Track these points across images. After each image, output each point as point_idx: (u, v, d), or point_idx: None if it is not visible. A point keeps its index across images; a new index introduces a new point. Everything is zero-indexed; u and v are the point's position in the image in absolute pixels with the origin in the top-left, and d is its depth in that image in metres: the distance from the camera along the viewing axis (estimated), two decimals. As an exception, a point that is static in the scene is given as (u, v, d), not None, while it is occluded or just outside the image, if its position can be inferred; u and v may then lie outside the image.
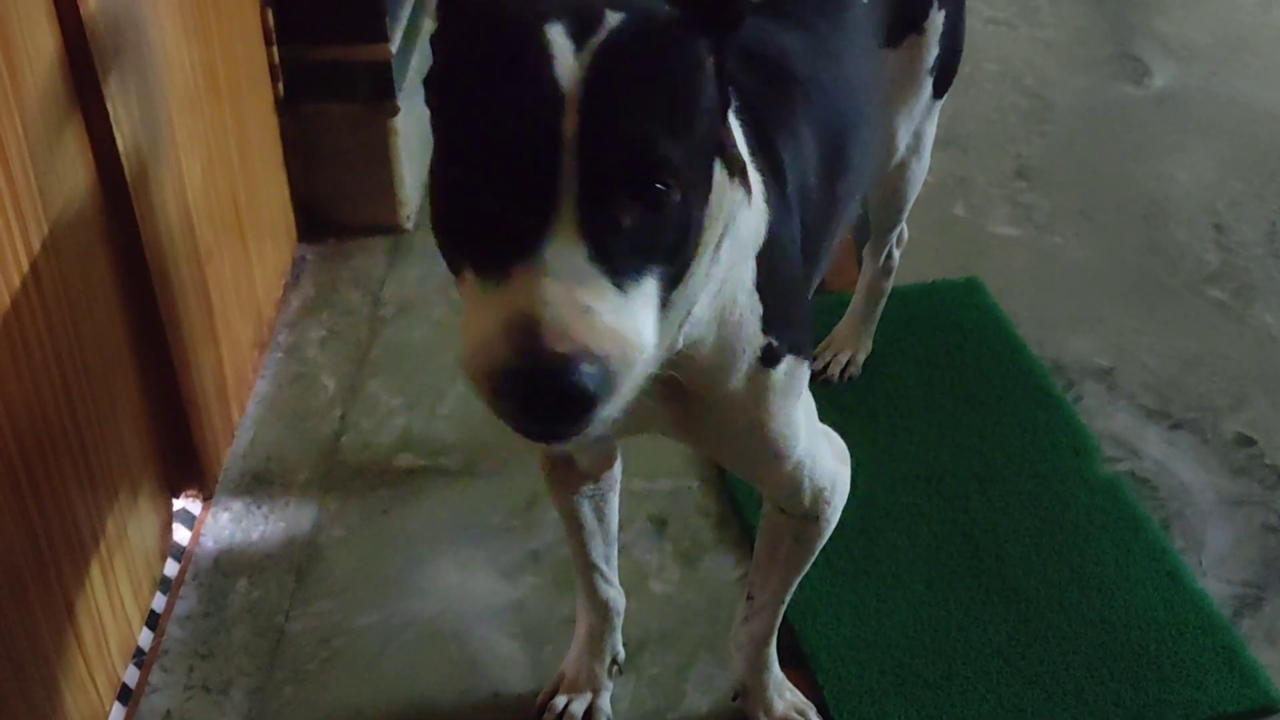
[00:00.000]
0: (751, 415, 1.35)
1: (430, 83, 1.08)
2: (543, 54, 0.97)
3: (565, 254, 0.95)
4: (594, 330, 0.93)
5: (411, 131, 2.61)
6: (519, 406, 0.93)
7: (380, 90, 2.48)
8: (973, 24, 2.92)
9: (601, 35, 0.99)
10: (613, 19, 1.01)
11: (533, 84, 0.97)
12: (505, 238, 0.96)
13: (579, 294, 0.94)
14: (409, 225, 2.64)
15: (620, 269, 0.97)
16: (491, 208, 0.97)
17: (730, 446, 1.44)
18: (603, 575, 1.75)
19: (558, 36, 0.98)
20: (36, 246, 1.54)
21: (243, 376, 2.26)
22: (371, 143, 2.53)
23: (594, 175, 0.96)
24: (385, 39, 2.44)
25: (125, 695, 1.82)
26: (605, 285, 0.96)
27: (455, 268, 1.02)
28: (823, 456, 1.48)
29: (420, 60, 2.65)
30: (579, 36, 0.98)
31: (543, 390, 0.92)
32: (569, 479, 1.65)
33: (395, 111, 2.51)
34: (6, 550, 1.50)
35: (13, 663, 1.51)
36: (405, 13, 2.57)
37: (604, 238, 0.96)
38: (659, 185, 0.99)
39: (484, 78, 0.99)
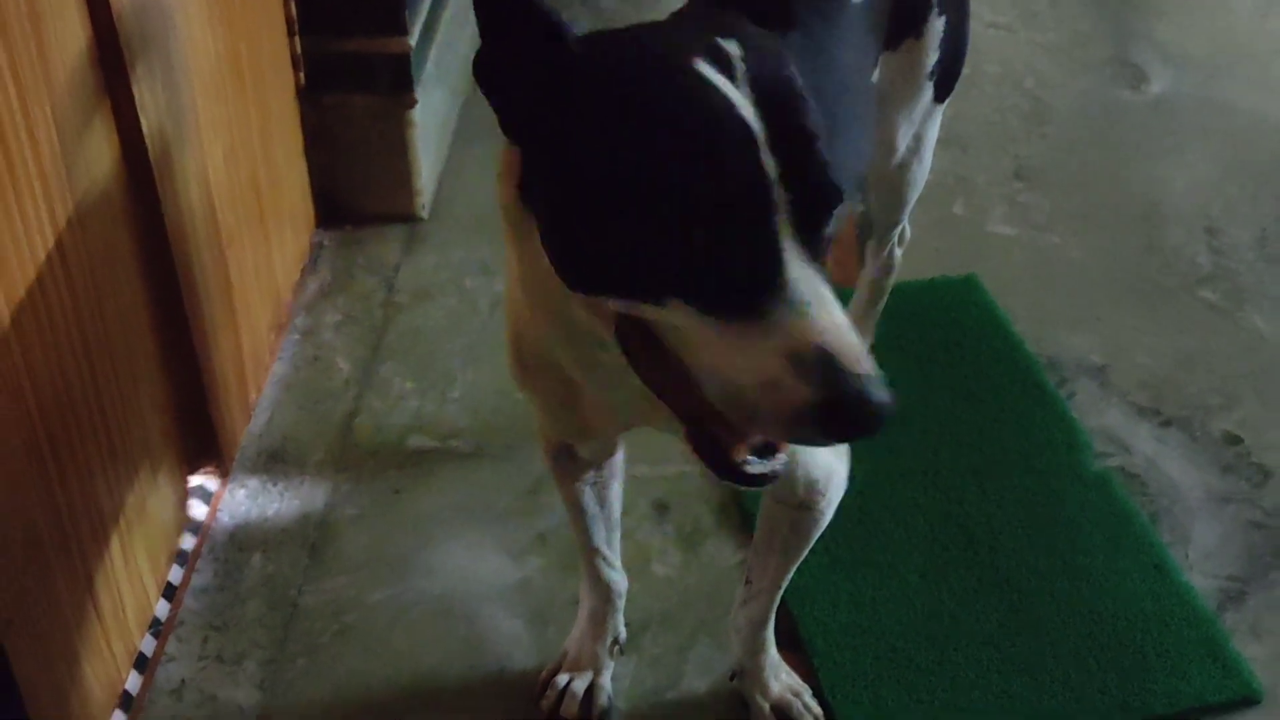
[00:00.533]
0: None
1: (552, 137, 1.05)
2: (719, 95, 0.99)
3: (810, 283, 0.97)
4: (863, 347, 0.96)
5: (429, 123, 2.61)
6: (837, 432, 0.97)
7: (399, 82, 2.48)
8: (974, 27, 2.90)
9: (740, 67, 1.01)
10: (732, 48, 1.03)
11: (727, 127, 0.98)
12: (740, 277, 0.97)
13: (839, 317, 0.97)
14: (424, 214, 2.64)
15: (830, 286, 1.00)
16: (709, 251, 0.97)
17: None
18: (605, 559, 1.75)
19: (716, 75, 1.00)
20: (62, 224, 1.55)
21: (260, 358, 2.26)
22: (389, 133, 2.53)
23: (801, 204, 0.98)
24: (405, 32, 2.44)
25: (142, 664, 1.83)
26: (838, 304, 0.98)
27: (650, 300, 1.01)
28: (817, 449, 1.47)
29: (439, 53, 2.65)
30: (727, 72, 1.01)
31: (862, 413, 0.94)
32: (571, 467, 1.65)
33: (413, 103, 2.51)
34: (29, 522, 1.50)
35: (33, 631, 1.51)
36: (424, 6, 2.57)
37: (820, 261, 0.99)
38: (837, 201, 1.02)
39: (663, 127, 0.99)
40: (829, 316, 0.96)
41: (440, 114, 2.72)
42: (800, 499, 1.52)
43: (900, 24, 1.78)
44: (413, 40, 2.46)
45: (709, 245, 0.97)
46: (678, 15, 1.14)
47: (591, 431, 1.51)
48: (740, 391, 0.97)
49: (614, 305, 1.05)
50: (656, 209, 0.98)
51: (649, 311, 1.02)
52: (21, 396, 1.47)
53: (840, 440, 0.99)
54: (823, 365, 0.94)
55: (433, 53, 2.62)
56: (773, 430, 0.99)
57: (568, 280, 1.07)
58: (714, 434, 1.06)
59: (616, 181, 1.00)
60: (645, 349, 1.06)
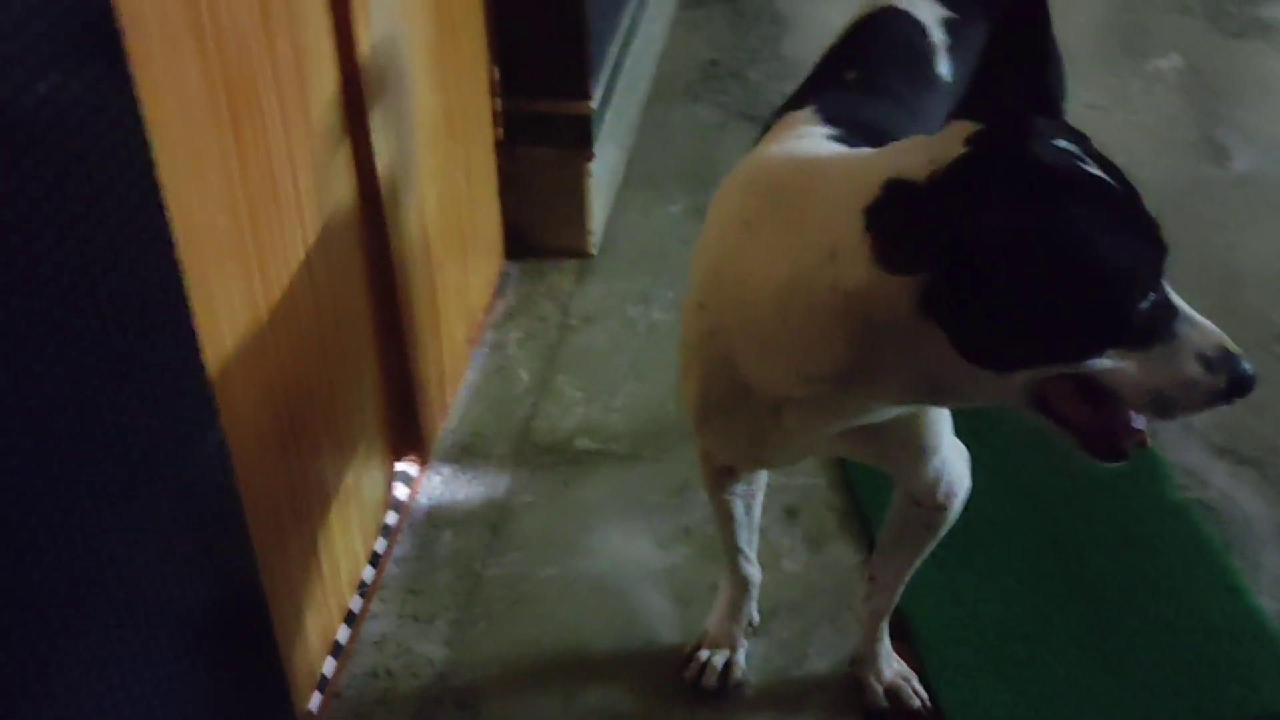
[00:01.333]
0: (913, 425, 1.38)
1: (1004, 257, 1.04)
2: (1128, 194, 1.09)
3: (1182, 302, 1.12)
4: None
5: (602, 173, 2.63)
6: (1235, 399, 1.12)
7: (580, 139, 2.51)
8: (1074, 108, 2.85)
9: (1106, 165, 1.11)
10: (1076, 147, 1.10)
11: (1142, 213, 1.09)
12: (1159, 318, 1.10)
13: (1206, 320, 1.12)
14: (594, 251, 2.66)
15: None
16: (1141, 307, 1.08)
17: (890, 450, 1.44)
18: (744, 556, 1.75)
19: (1110, 179, 1.09)
20: (311, 244, 1.59)
21: (457, 366, 2.29)
22: (569, 181, 2.56)
23: None
24: (588, 97, 2.47)
25: (350, 619, 1.87)
26: None
27: (1089, 358, 1.09)
28: (956, 458, 1.50)
29: (613, 116, 2.68)
30: (1110, 173, 1.10)
31: (1250, 382, 1.11)
32: (726, 483, 1.65)
33: (591, 157, 2.53)
34: (271, 492, 1.55)
35: (268, 583, 1.55)
36: (604, 76, 2.60)
37: None
38: None
39: (1123, 222, 1.08)
40: (1205, 321, 1.11)
41: (611, 166, 2.75)
42: (938, 501, 1.52)
43: None
44: (594, 104, 2.49)
45: (1141, 302, 1.08)
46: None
47: (765, 461, 1.53)
48: (1164, 395, 1.10)
49: (1040, 373, 1.11)
50: (1108, 289, 1.06)
51: (1082, 368, 1.09)
52: (271, 386, 1.52)
53: (1232, 401, 1.12)
54: (1223, 359, 1.10)
55: (608, 115, 2.64)
56: (1189, 412, 1.12)
57: (999, 365, 1.10)
58: (1107, 435, 1.16)
59: (1075, 279, 1.05)
60: (1052, 395, 1.13)
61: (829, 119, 1.35)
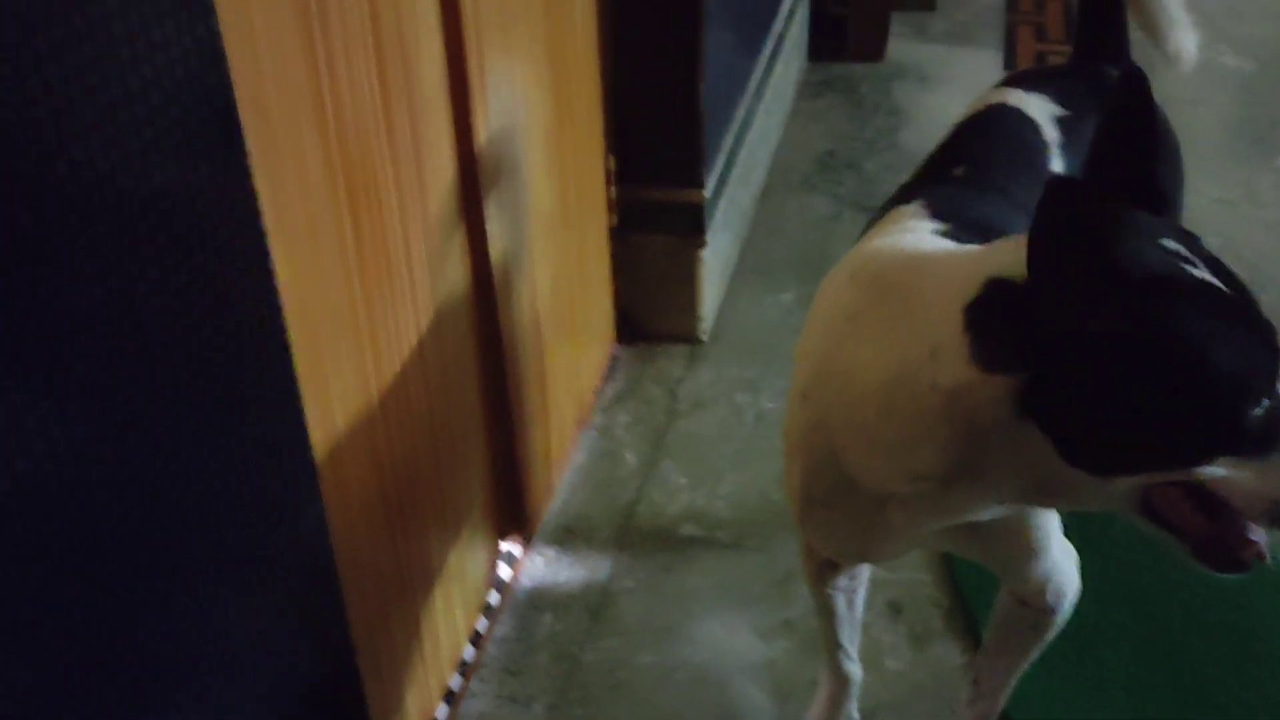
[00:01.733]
0: (1021, 524, 1.35)
1: (1102, 360, 1.02)
2: (1240, 300, 1.07)
3: None
4: None
5: (714, 261, 2.64)
6: None
7: (693, 226, 2.52)
8: (1200, 203, 2.78)
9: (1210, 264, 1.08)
10: (1182, 247, 1.08)
11: (1254, 318, 1.06)
12: (1278, 422, 1.03)
13: None
14: (704, 338, 2.67)
15: None
16: (1257, 409, 1.03)
17: (997, 548, 1.41)
18: (846, 653, 1.72)
19: (1218, 281, 1.06)
20: (424, 328, 1.62)
21: (564, 448, 2.31)
22: (681, 269, 2.57)
23: None
24: (701, 186, 2.49)
25: (449, 698, 1.87)
26: None
27: (1201, 464, 1.04)
28: (1065, 560, 1.46)
29: (726, 204, 2.69)
30: (1221, 277, 1.08)
31: None
32: (829, 577, 1.62)
33: (703, 245, 2.55)
34: (376, 568, 1.56)
35: (373, 660, 1.56)
36: (719, 165, 2.62)
37: None
38: None
39: (1231, 326, 1.04)
40: None
41: (723, 254, 2.76)
42: (1047, 603, 1.48)
43: None
44: (707, 193, 2.51)
45: (1253, 409, 1.02)
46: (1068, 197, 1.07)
47: (868, 556, 1.50)
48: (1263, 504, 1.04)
49: (1146, 479, 1.07)
50: (1213, 395, 1.02)
51: (1192, 475, 1.05)
52: (380, 464, 1.54)
53: None
54: None
55: (721, 204, 2.66)
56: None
57: (1101, 469, 1.07)
58: (1222, 546, 1.10)
59: (1176, 385, 1.02)
60: (1160, 502, 1.08)
61: (936, 214, 1.34)
